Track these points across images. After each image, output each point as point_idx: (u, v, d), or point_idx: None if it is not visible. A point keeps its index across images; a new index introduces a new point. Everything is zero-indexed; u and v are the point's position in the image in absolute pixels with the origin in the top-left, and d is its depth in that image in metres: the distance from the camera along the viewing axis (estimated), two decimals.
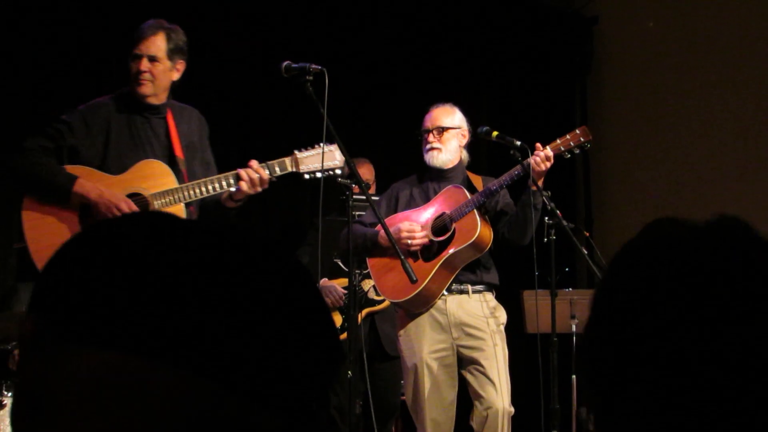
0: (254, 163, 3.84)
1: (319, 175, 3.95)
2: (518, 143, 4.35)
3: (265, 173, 3.83)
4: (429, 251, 4.41)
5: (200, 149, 4.00)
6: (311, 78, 3.72)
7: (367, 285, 5.23)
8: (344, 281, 5.13)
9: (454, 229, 4.40)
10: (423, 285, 4.35)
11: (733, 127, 7.33)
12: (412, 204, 4.60)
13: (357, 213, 4.68)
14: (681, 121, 7.63)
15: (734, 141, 7.31)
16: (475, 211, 4.37)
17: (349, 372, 3.84)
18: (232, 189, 3.81)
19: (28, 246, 3.68)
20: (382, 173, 5.88)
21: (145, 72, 3.81)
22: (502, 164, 4.68)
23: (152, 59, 3.82)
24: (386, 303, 5.20)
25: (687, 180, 7.47)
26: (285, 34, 6.47)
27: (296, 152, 3.94)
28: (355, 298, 4.32)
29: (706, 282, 0.80)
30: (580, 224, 7.55)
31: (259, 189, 3.84)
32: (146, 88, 3.83)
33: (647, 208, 7.66)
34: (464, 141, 4.65)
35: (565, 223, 4.32)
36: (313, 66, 3.73)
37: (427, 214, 4.49)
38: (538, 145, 4.37)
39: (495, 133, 4.46)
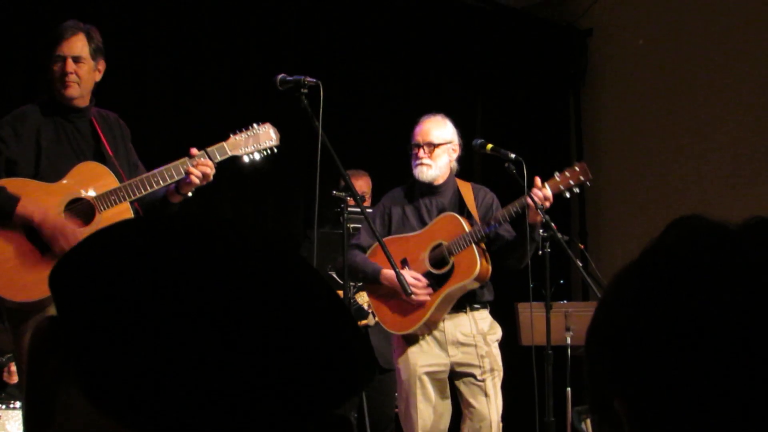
0: (195, 150, 3.76)
1: (257, 156, 3.91)
2: (513, 156, 4.33)
3: (211, 163, 3.75)
4: (429, 285, 4.37)
5: (125, 152, 3.88)
6: (306, 91, 3.71)
7: (361, 298, 5.23)
8: (339, 293, 5.13)
9: (453, 264, 4.35)
10: (424, 319, 4.35)
11: (728, 138, 7.34)
12: (405, 223, 4.54)
13: (352, 225, 4.67)
14: (676, 132, 7.65)
15: (728, 152, 7.33)
16: (473, 246, 4.33)
17: None
18: (174, 180, 3.72)
19: None
20: (379, 185, 5.88)
21: (71, 73, 3.66)
22: (497, 174, 4.67)
23: (76, 60, 3.67)
24: None
25: (682, 191, 7.48)
26: (281, 47, 6.48)
27: (232, 135, 3.88)
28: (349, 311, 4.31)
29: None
30: (574, 237, 7.56)
31: (210, 179, 3.76)
32: (74, 90, 3.69)
33: (642, 220, 7.67)
34: (455, 155, 4.58)
35: (559, 235, 4.32)
36: (308, 79, 3.71)
37: (423, 241, 4.44)
38: (537, 181, 4.29)
39: (489, 146, 4.45)
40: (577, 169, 4.37)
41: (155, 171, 3.72)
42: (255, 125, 3.93)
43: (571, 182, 4.35)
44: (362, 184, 5.65)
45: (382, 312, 4.50)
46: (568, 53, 8.33)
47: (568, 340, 5.35)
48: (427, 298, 4.32)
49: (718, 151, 7.40)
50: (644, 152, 7.86)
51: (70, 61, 3.67)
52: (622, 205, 7.95)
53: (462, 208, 4.51)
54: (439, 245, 4.40)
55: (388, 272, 4.30)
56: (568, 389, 5.40)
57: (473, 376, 4.39)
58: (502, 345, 4.56)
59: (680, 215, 0.89)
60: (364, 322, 5.27)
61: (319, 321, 0.72)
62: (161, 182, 3.70)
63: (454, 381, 4.46)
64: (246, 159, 3.90)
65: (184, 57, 6.21)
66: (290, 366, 0.69)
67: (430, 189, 4.55)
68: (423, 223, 4.51)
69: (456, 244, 4.35)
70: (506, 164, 4.34)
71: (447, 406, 4.47)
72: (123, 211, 3.65)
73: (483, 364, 4.39)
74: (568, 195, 4.41)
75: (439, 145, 4.50)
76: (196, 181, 3.72)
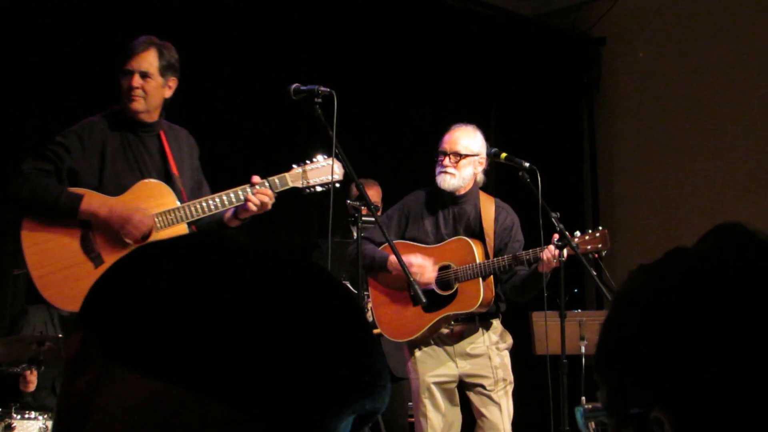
0: (257, 178, 3.79)
1: (318, 189, 3.93)
2: (527, 164, 4.33)
3: (271, 193, 3.78)
4: (429, 302, 4.39)
5: (191, 169, 3.93)
6: (320, 100, 3.72)
7: None
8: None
9: (457, 290, 4.39)
10: (418, 334, 4.40)
11: (743, 143, 7.32)
12: (420, 227, 4.54)
13: (365, 235, 4.67)
14: (689, 139, 7.63)
15: (743, 158, 7.30)
16: (480, 279, 4.35)
17: None
18: (233, 205, 3.76)
19: (29, 272, 3.59)
20: (390, 195, 5.88)
21: (137, 88, 3.71)
22: (511, 182, 4.66)
23: (144, 75, 3.73)
24: None
25: (696, 200, 7.46)
26: (294, 55, 6.50)
27: (295, 166, 3.90)
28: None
29: None
30: None
31: (268, 208, 3.80)
32: (138, 105, 3.74)
33: (657, 228, 7.65)
34: (480, 168, 4.55)
35: (574, 244, 4.31)
36: (322, 88, 3.72)
37: (434, 257, 4.45)
38: (554, 238, 4.28)
39: (503, 155, 4.45)
40: (598, 235, 4.35)
41: (215, 195, 3.76)
42: (320, 157, 3.94)
43: (588, 247, 4.33)
44: (373, 194, 5.64)
45: (380, 314, 4.54)
46: (581, 62, 8.33)
47: (583, 349, 5.33)
48: (432, 278, 4.36)
49: (733, 156, 7.37)
50: (658, 159, 7.84)
51: (137, 76, 3.72)
52: (636, 213, 7.92)
53: (479, 226, 4.50)
54: (448, 267, 4.41)
55: (396, 259, 4.31)
56: (583, 398, 5.37)
57: (483, 386, 4.40)
58: (517, 354, 4.55)
59: (694, 223, 0.89)
60: (375, 331, 5.27)
61: (335, 331, 0.72)
62: (220, 206, 3.74)
63: (465, 391, 4.46)
64: (307, 191, 3.92)
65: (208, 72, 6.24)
66: (305, 376, 0.70)
67: (452, 198, 4.54)
68: (437, 231, 4.51)
69: (464, 272, 4.37)
70: (520, 173, 4.34)
71: (457, 413, 4.49)
72: (179, 232, 3.70)
73: (495, 375, 4.40)
74: (582, 257, 4.38)
75: (465, 156, 4.47)
76: (254, 208, 3.75)
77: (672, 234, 7.30)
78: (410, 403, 4.84)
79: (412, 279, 3.85)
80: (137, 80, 3.72)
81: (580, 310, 5.67)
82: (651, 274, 0.85)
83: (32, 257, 3.59)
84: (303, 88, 3.76)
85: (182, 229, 3.71)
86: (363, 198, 3.88)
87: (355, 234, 4.40)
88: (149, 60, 3.75)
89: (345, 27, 6.86)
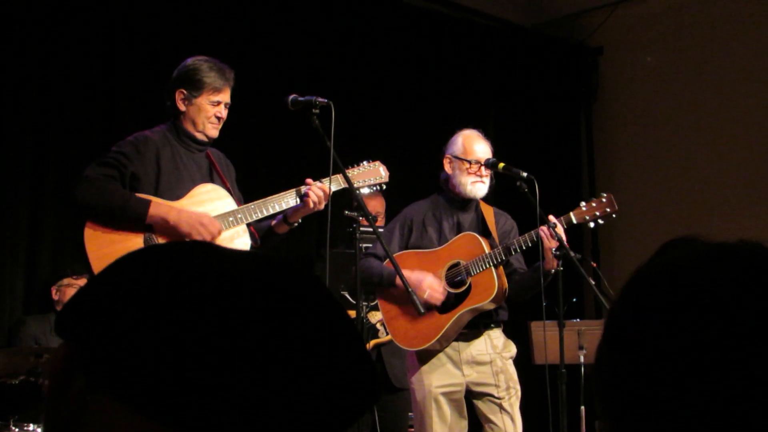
0: (310, 180, 3.87)
1: (366, 190, 4.08)
2: (524, 174, 4.32)
3: (326, 188, 3.85)
4: (444, 303, 4.36)
5: (233, 188, 4.03)
6: (317, 111, 3.73)
7: (374, 317, 5.22)
8: (350, 313, 5.12)
9: (470, 284, 4.35)
10: (437, 337, 4.33)
11: (742, 157, 7.33)
12: (424, 236, 4.52)
13: (364, 245, 4.67)
14: (688, 149, 7.64)
15: (743, 171, 7.32)
16: (492, 268, 4.33)
17: None
18: (289, 207, 3.85)
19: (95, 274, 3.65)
20: (392, 204, 5.88)
21: (222, 119, 3.87)
22: (509, 191, 4.66)
23: (226, 106, 3.88)
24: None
25: (694, 210, 7.46)
26: (292, 66, 6.50)
27: (345, 169, 3.95)
28: (363, 330, 4.30)
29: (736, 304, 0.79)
30: (587, 255, 7.54)
31: (321, 207, 3.87)
32: (216, 133, 3.89)
33: (655, 238, 7.61)
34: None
35: (572, 253, 4.30)
36: (320, 99, 3.74)
37: (442, 259, 4.43)
38: (551, 218, 4.29)
39: (501, 165, 4.44)
40: (604, 200, 4.37)
41: (272, 197, 3.85)
42: (365, 162, 4.10)
43: (597, 213, 4.34)
44: (376, 204, 5.64)
45: (395, 327, 4.48)
46: (579, 71, 8.35)
47: (582, 359, 5.33)
48: (443, 298, 4.32)
49: (731, 163, 7.38)
50: (656, 169, 7.85)
51: (223, 108, 3.87)
52: (634, 222, 7.93)
53: (484, 229, 4.51)
54: (457, 264, 4.39)
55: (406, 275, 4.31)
56: (582, 408, 5.37)
57: (491, 395, 4.37)
58: (516, 364, 4.54)
59: (693, 230, 0.89)
60: (375, 341, 5.26)
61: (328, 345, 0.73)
62: (277, 207, 3.84)
63: (471, 399, 4.43)
64: (354, 192, 3.98)
65: None
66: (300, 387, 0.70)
67: (461, 205, 4.55)
68: (443, 239, 4.50)
69: (474, 265, 4.34)
70: (518, 183, 4.33)
71: (464, 426, 4.43)
72: (239, 233, 3.80)
73: (499, 382, 4.37)
74: (592, 225, 4.40)
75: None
76: (311, 204, 3.83)
77: None
78: (411, 414, 4.82)
79: (410, 290, 3.84)
80: (225, 112, 3.88)
81: (578, 320, 5.67)
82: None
83: (97, 262, 3.63)
84: (300, 99, 3.77)
85: (243, 229, 3.82)
86: (361, 209, 3.88)
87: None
88: (229, 93, 3.89)
89: (344, 36, 6.87)
